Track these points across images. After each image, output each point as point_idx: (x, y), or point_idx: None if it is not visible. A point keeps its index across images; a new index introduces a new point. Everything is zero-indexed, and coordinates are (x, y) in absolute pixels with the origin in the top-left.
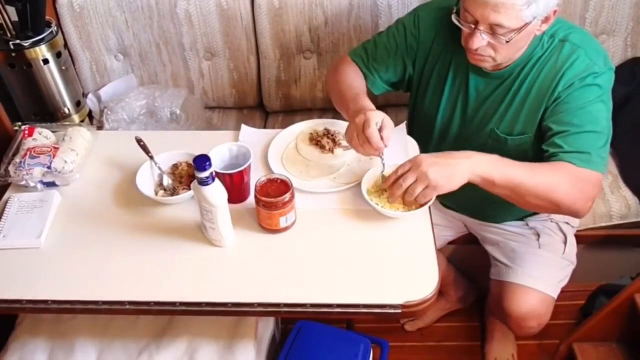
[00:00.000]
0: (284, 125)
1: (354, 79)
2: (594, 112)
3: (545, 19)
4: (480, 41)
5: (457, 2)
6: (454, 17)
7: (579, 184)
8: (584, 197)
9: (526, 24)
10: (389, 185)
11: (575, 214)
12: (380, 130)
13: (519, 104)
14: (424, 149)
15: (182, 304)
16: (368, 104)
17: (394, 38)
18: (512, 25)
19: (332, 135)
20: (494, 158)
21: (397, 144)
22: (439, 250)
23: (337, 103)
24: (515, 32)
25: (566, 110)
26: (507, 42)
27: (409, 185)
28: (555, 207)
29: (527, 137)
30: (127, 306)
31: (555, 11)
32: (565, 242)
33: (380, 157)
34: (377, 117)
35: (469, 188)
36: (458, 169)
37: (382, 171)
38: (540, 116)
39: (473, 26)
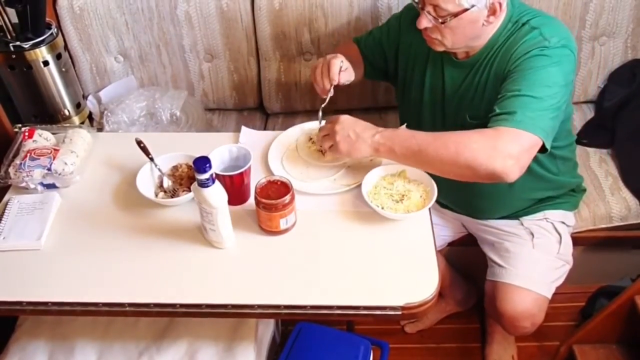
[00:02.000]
0: (284, 127)
1: (346, 49)
2: (535, 78)
3: (492, 11)
4: (426, 22)
5: None
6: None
7: (491, 141)
8: (499, 154)
9: (464, 10)
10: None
11: (495, 176)
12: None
13: (482, 88)
14: None
15: (182, 305)
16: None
17: (380, 31)
18: (449, 8)
19: None
20: (398, 132)
21: None
22: (438, 252)
23: None
24: (452, 16)
25: (510, 79)
26: (442, 23)
27: (322, 135)
28: (470, 171)
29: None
30: (127, 308)
31: (500, 4)
32: (560, 242)
33: (324, 99)
34: (346, 61)
35: (456, 181)
36: (359, 144)
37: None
38: None
39: (421, 7)
